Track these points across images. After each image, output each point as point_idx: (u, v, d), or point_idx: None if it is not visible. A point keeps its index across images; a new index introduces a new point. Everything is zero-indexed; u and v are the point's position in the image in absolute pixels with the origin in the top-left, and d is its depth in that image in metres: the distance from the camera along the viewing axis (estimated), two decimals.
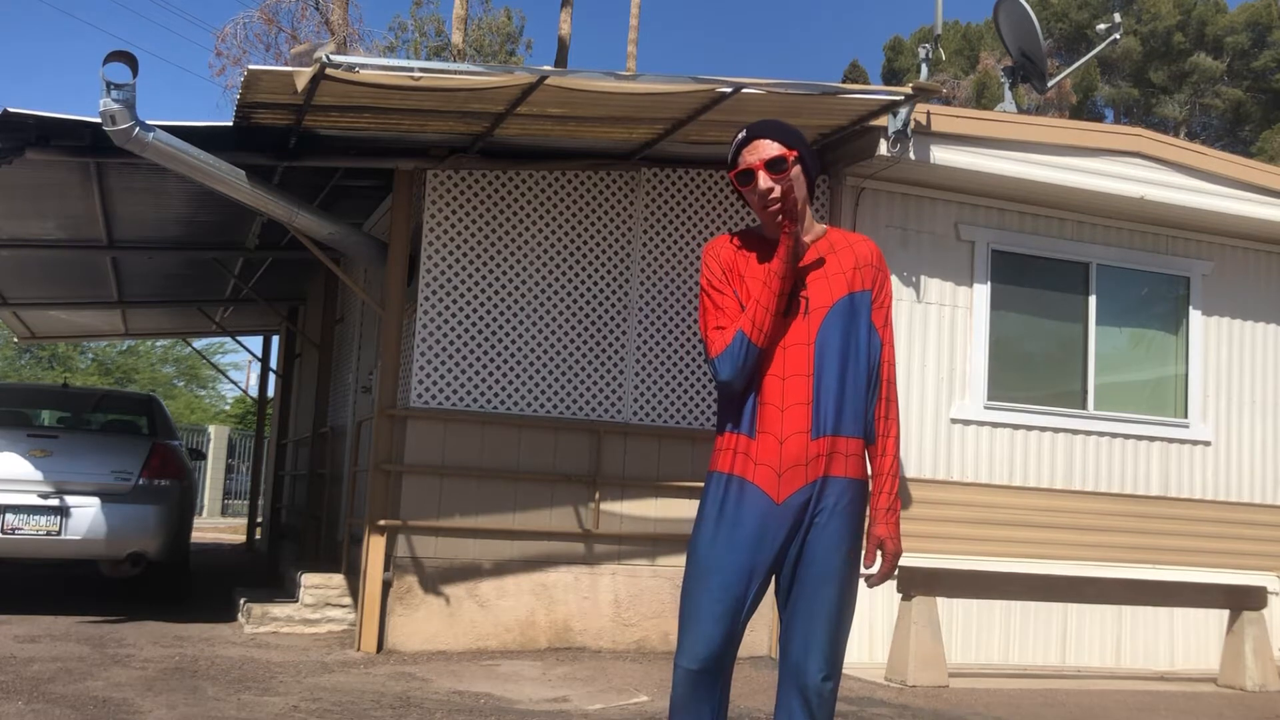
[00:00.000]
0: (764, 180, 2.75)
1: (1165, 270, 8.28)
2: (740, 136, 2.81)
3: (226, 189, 6.49)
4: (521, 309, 7.03)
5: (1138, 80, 32.87)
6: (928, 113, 7.13)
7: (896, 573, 2.76)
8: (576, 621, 6.95)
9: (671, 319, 7.29)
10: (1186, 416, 8.23)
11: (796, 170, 2.79)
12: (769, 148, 2.76)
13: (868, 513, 2.85)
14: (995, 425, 7.72)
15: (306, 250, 7.29)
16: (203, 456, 14.63)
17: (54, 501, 7.39)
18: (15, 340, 23.26)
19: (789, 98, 6.16)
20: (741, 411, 2.77)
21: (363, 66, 5.35)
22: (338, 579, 7.47)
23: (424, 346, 6.82)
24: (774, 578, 2.81)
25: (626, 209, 7.28)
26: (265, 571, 10.87)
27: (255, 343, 20.24)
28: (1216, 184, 7.92)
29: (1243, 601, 7.25)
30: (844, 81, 20.99)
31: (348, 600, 7.38)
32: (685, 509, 7.11)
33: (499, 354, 6.97)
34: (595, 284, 7.18)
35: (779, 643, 2.78)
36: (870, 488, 2.86)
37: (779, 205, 2.76)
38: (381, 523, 6.63)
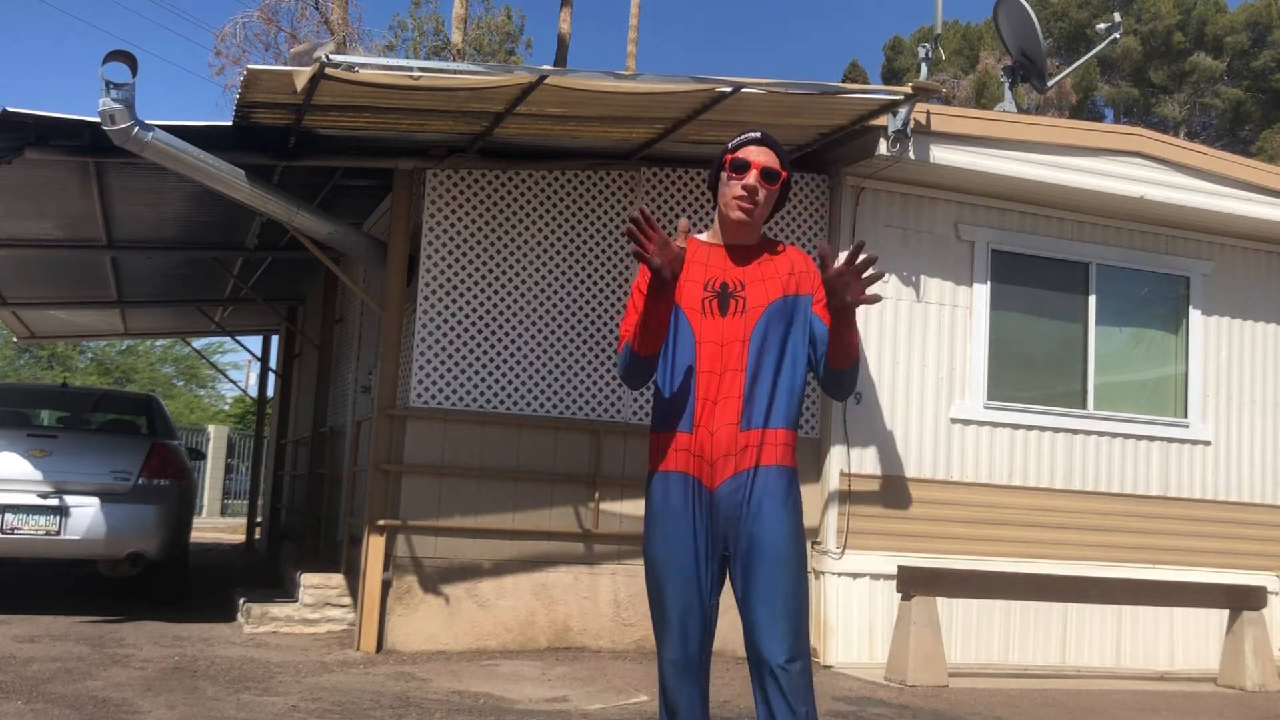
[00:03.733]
0: (753, 178, 2.94)
1: (1165, 270, 8.27)
2: (754, 134, 3.00)
3: (226, 189, 6.48)
4: (521, 309, 7.03)
5: (1138, 80, 32.85)
6: (927, 112, 7.12)
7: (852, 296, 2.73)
8: (576, 621, 6.95)
9: None
10: (1186, 416, 8.22)
11: (774, 191, 3.00)
12: (772, 159, 2.97)
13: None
14: (995, 425, 7.71)
15: (306, 250, 7.29)
16: (202, 456, 14.63)
17: (53, 501, 7.38)
18: (15, 340, 23.26)
19: (789, 97, 6.15)
20: (676, 409, 2.93)
21: (362, 66, 5.35)
22: (337, 579, 7.46)
23: (423, 346, 6.82)
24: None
25: (626, 209, 7.27)
26: (265, 571, 10.87)
27: (255, 342, 20.25)
28: (1216, 184, 7.91)
29: (1243, 601, 7.25)
30: (844, 81, 20.97)
31: (347, 600, 7.37)
32: None
33: (498, 354, 6.97)
34: (595, 284, 7.18)
35: (744, 634, 2.86)
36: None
37: (748, 206, 2.95)
38: (381, 523, 6.62)
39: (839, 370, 2.91)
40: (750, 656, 2.83)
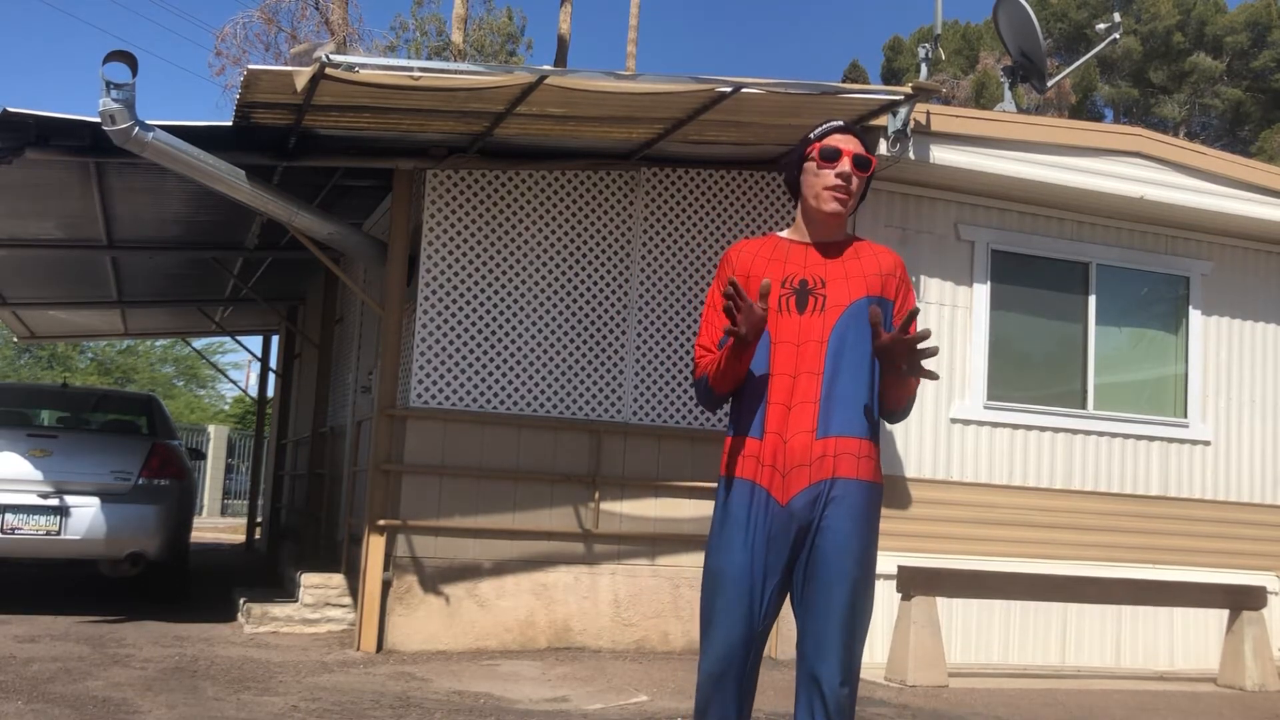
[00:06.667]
0: (847, 165, 2.80)
1: (1165, 270, 8.28)
2: (837, 123, 2.88)
3: (226, 189, 6.49)
4: (521, 309, 7.03)
5: (1137, 80, 32.84)
6: (927, 112, 7.13)
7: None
8: (576, 621, 6.95)
9: (671, 319, 7.28)
10: (1186, 416, 8.23)
11: (864, 180, 2.86)
12: (860, 147, 2.84)
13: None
14: (995, 425, 7.71)
15: (306, 250, 7.29)
16: (202, 456, 14.62)
17: (54, 501, 7.38)
18: (15, 340, 23.26)
19: (789, 97, 6.15)
20: (747, 413, 2.76)
21: (362, 66, 5.35)
22: (337, 579, 7.47)
23: (423, 346, 6.82)
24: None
25: (626, 209, 7.28)
26: (265, 571, 10.87)
27: (255, 342, 20.26)
28: (1216, 184, 7.92)
29: (1242, 601, 7.25)
30: (844, 81, 20.97)
31: (347, 600, 7.38)
32: (685, 509, 7.11)
33: (499, 354, 6.97)
34: (595, 284, 7.18)
35: (796, 647, 2.75)
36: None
37: (844, 196, 2.80)
38: (381, 522, 6.63)
39: (890, 410, 2.82)
40: (801, 670, 2.72)
